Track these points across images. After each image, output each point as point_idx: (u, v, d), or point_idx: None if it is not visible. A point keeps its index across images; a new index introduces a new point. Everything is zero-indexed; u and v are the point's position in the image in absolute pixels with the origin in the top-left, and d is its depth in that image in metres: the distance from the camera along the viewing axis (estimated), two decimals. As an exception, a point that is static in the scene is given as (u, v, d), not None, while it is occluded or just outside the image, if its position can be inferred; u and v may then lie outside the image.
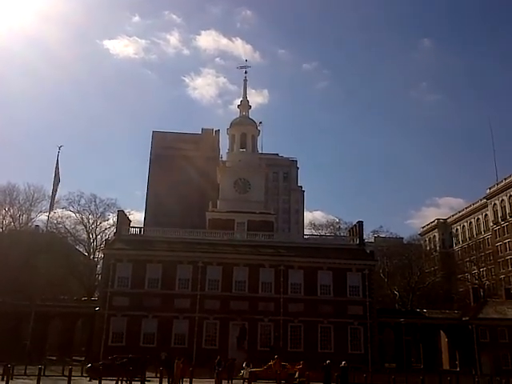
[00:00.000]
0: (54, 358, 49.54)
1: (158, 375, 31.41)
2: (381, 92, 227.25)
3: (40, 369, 28.87)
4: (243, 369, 32.65)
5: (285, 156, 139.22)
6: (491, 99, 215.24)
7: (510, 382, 32.85)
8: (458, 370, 55.78)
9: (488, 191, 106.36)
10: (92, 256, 78.88)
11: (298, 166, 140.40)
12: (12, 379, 27.74)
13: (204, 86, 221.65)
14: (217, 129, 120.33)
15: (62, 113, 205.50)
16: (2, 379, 28.62)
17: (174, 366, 32.02)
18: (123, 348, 48.14)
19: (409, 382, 34.23)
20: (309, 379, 26.23)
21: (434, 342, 61.07)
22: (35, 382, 27.12)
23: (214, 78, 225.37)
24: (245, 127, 73.27)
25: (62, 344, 55.97)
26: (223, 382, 30.88)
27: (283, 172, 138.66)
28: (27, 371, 35.29)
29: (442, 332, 63.08)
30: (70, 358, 49.06)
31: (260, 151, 79.76)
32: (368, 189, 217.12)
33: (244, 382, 31.53)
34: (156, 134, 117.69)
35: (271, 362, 35.01)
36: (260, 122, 77.21)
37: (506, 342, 56.52)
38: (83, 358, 49.28)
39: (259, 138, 75.79)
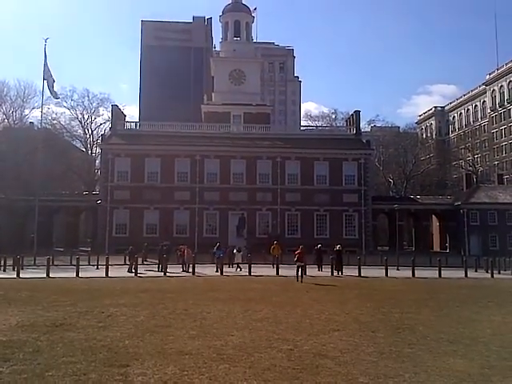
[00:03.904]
0: (61, 249, 51.54)
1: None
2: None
3: (48, 259, 30.12)
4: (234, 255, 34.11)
5: (281, 45, 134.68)
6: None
7: (495, 260, 34.55)
8: (447, 251, 58.50)
9: (487, 77, 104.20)
10: (90, 152, 79.40)
11: (294, 55, 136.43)
12: (23, 269, 29.02)
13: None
14: (209, 17, 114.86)
15: (48, 4, 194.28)
16: (14, 269, 29.95)
17: (183, 252, 33.49)
18: (127, 239, 49.90)
19: (400, 262, 35.95)
20: (306, 263, 27.56)
21: (425, 227, 63.41)
22: (45, 270, 28.42)
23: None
24: (238, 14, 69.76)
25: (68, 236, 57.95)
26: (224, 267, 32.43)
27: (279, 62, 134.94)
28: (36, 262, 36.81)
29: (434, 217, 65.25)
30: (76, 249, 51.00)
31: (255, 40, 76.69)
32: (361, 78, 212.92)
33: (237, 267, 33.13)
34: (145, 24, 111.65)
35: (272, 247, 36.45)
36: (254, 8, 73.57)
37: (494, 224, 58.70)
38: (89, 249, 51.24)
39: (253, 26, 72.56)
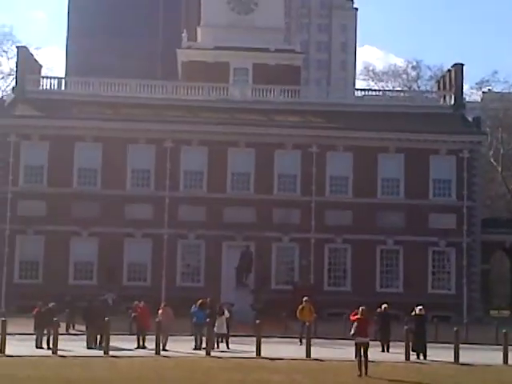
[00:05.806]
0: None
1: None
2: None
3: None
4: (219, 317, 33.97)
5: None
6: None
7: None
8: None
9: None
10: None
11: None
12: None
13: None
14: None
15: None
16: None
17: (140, 313, 33.64)
18: (40, 286, 50.03)
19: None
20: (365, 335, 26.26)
21: None
22: None
23: None
24: None
25: None
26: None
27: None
28: None
29: None
30: None
31: None
32: (463, 4, 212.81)
33: (221, 340, 32.93)
34: None
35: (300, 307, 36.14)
36: None
37: None
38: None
39: None
